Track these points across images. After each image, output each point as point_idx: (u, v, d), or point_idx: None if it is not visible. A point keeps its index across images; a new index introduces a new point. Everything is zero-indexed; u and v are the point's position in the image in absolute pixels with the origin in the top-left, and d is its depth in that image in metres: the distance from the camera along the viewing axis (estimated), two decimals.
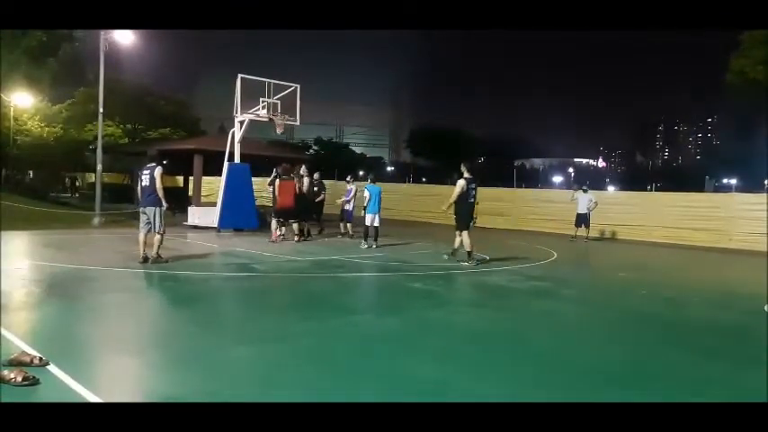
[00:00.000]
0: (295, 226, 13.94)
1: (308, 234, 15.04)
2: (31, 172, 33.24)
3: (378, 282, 9.57)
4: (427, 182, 47.08)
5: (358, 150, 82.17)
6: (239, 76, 15.67)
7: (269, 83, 16.11)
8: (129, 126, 34.85)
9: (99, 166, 17.13)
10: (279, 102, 16.25)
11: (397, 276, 9.72)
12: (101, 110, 17.16)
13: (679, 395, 4.29)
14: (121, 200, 22.23)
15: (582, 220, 17.85)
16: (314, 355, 4.99)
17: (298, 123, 16.68)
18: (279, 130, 16.19)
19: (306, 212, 14.92)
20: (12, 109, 28.33)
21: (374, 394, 4.05)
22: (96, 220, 16.52)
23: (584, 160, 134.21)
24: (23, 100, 27.51)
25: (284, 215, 13.91)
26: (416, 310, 7.20)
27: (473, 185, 10.00)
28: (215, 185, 22.20)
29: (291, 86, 16.54)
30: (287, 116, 16.21)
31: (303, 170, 15.29)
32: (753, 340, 6.33)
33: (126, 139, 33.83)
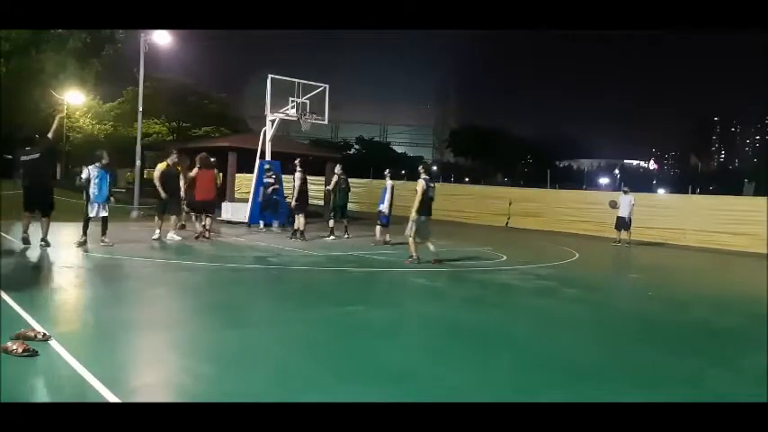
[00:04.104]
0: (207, 221, 12.56)
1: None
2: (84, 167, 34.89)
3: (384, 277, 9.81)
4: (470, 182, 47.07)
5: (400, 150, 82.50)
6: (269, 76, 16.21)
7: (298, 83, 16.60)
8: (174, 124, 36.13)
9: (138, 162, 17.98)
10: (308, 101, 16.73)
11: (404, 272, 9.95)
12: (140, 108, 18.05)
13: (644, 391, 4.38)
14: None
15: (622, 223, 17.33)
16: (296, 341, 5.30)
17: (326, 122, 17.16)
18: (305, 127, 16.73)
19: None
20: (65, 107, 29.83)
21: (345, 379, 4.28)
22: (134, 214, 17.34)
23: (635, 162, 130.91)
24: (75, 98, 28.94)
25: (201, 207, 12.67)
26: (411, 304, 7.41)
27: (432, 185, 10.70)
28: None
29: (320, 86, 16.99)
30: (315, 115, 16.68)
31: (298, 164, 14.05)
32: (738, 342, 6.34)
33: (171, 137, 35.10)
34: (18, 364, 4.07)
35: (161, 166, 12.04)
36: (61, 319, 5.74)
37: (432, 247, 10.59)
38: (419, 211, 10.41)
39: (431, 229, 10.78)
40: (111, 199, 10.55)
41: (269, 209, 15.29)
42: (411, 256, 10.48)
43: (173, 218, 12.08)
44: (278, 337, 5.47)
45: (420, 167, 11.24)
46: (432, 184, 10.70)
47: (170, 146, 18.23)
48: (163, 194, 11.75)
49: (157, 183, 11.85)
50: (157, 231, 11.68)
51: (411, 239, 10.52)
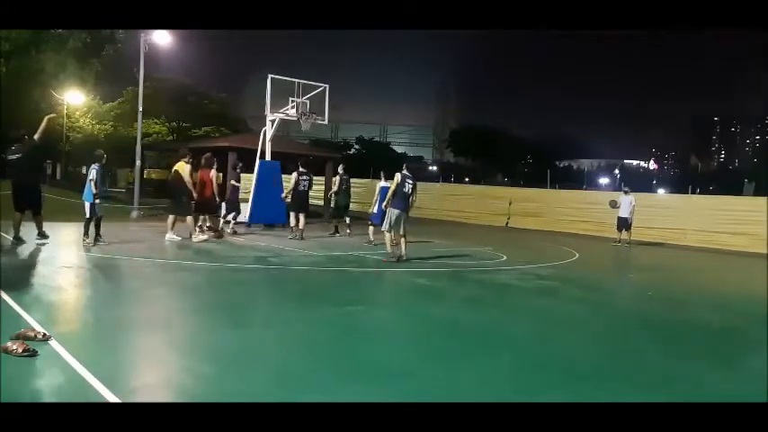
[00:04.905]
0: (215, 220, 13.14)
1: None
2: (84, 167, 34.97)
3: (384, 277, 9.80)
4: (470, 181, 47.13)
5: (400, 150, 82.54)
6: (269, 76, 16.22)
7: (298, 83, 16.61)
8: (174, 124, 36.13)
9: (138, 162, 17.99)
10: (308, 101, 16.74)
11: (404, 272, 9.95)
12: (140, 108, 18.07)
13: (644, 391, 4.38)
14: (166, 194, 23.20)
15: (623, 223, 17.23)
16: (296, 341, 5.30)
17: (326, 122, 17.19)
18: (305, 127, 16.78)
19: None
20: (65, 107, 29.82)
21: (345, 379, 4.28)
22: (134, 214, 17.34)
23: (635, 162, 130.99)
24: (75, 98, 28.92)
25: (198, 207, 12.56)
26: (411, 304, 7.40)
27: (410, 182, 10.47)
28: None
29: (321, 86, 17.00)
30: (315, 115, 16.70)
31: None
32: (738, 342, 6.35)
33: (171, 137, 35.10)
34: (18, 364, 4.07)
35: (187, 168, 12.01)
36: (61, 319, 5.74)
37: (403, 248, 10.47)
38: (392, 205, 10.40)
39: (406, 227, 10.59)
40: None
41: (235, 209, 15.45)
42: (390, 254, 10.47)
43: (172, 217, 12.07)
44: (278, 337, 5.48)
45: (404, 164, 11.12)
46: (410, 181, 10.51)
47: (182, 146, 18.24)
48: (195, 194, 11.90)
49: (189, 183, 11.84)
50: (189, 231, 11.87)
51: (387, 235, 10.50)
